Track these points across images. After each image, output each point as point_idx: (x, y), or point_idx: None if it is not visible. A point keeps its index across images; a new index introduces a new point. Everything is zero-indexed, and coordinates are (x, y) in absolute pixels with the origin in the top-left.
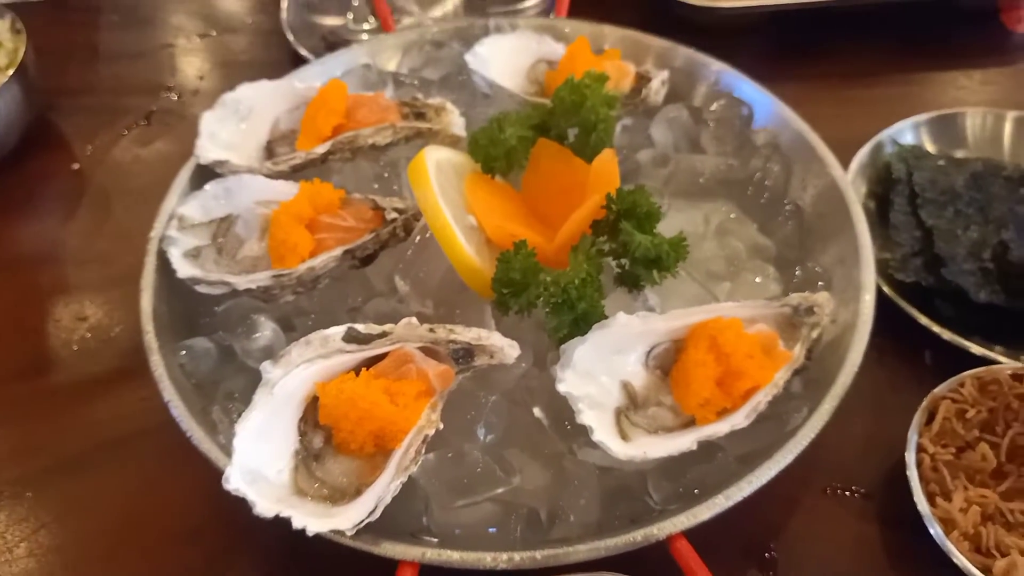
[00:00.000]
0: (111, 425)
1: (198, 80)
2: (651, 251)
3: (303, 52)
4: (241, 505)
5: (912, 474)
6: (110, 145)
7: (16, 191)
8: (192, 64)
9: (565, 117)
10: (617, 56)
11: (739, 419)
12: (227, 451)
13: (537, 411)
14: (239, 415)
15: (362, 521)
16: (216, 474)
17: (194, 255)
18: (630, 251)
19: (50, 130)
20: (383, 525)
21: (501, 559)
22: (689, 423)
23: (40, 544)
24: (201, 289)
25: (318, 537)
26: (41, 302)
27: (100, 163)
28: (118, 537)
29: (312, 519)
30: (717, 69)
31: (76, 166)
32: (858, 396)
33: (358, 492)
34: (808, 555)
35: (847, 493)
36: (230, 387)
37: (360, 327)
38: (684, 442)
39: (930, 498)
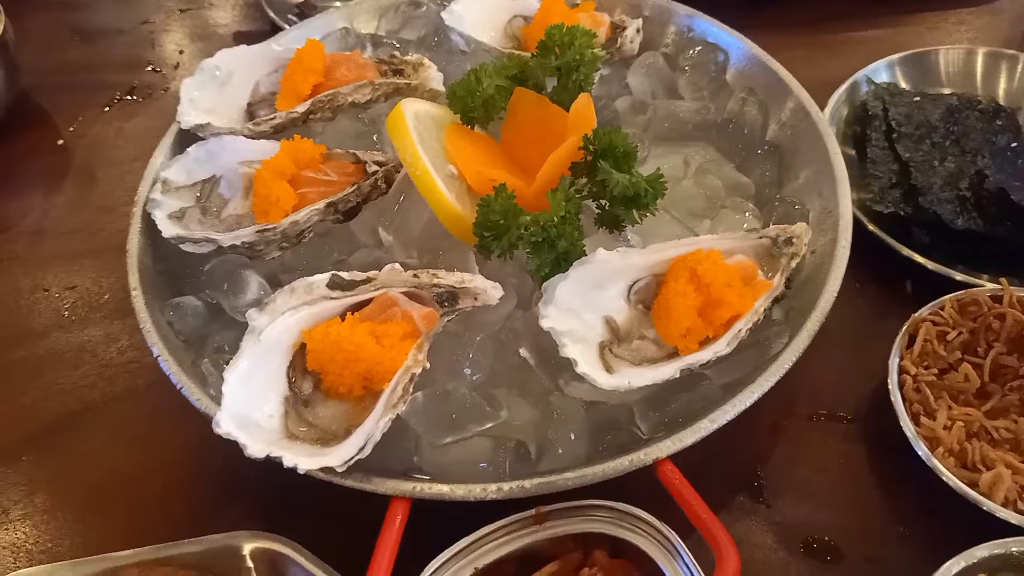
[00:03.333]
0: (101, 388)
1: (178, 54)
2: (629, 189)
3: (281, 23)
4: (230, 457)
5: (895, 395)
6: (93, 120)
7: (1, 167)
8: (172, 39)
9: (549, 56)
10: (591, 8)
11: (721, 347)
12: (217, 401)
13: (523, 351)
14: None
15: (352, 458)
16: (206, 428)
17: (179, 216)
18: (609, 190)
19: (33, 107)
20: (375, 464)
21: (491, 490)
22: (672, 354)
23: (35, 506)
24: (186, 248)
25: (309, 483)
26: (29, 272)
27: (83, 137)
28: (111, 495)
29: (303, 458)
30: (688, 15)
31: (60, 142)
32: (840, 325)
33: (348, 433)
34: (795, 480)
35: (832, 420)
36: (219, 341)
37: (344, 274)
38: (668, 371)
39: (914, 418)
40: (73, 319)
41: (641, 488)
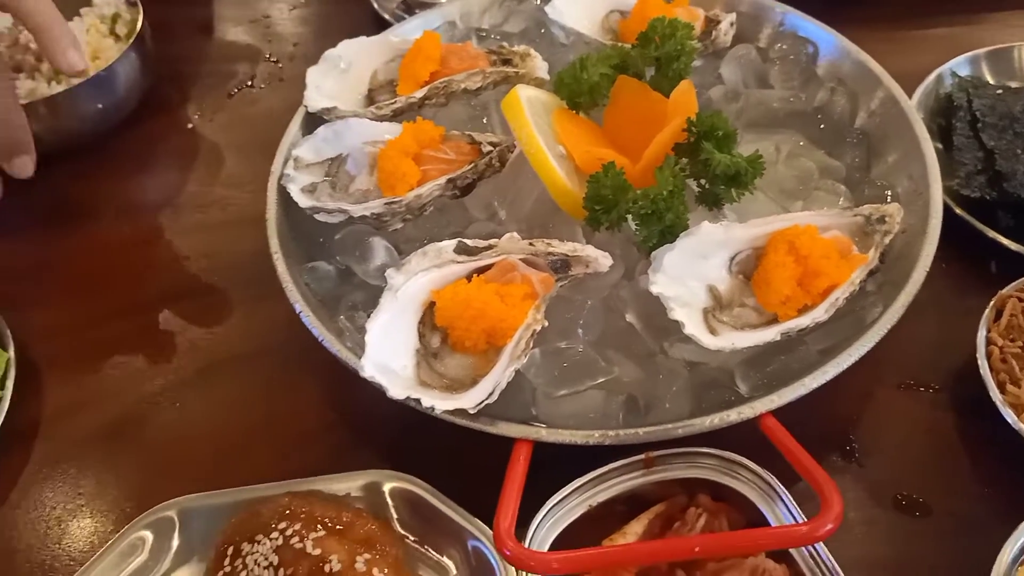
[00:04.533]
0: (240, 343)
1: (292, 46)
2: (731, 168)
3: (386, 16)
4: (362, 405)
5: (983, 363)
6: (219, 106)
7: (137, 149)
8: (287, 31)
9: (650, 47)
10: (687, 2)
11: (819, 313)
12: (356, 352)
13: (629, 316)
14: (363, 322)
15: (482, 402)
16: (340, 378)
17: (310, 190)
18: (711, 169)
19: (165, 95)
20: (498, 412)
21: (609, 435)
22: (771, 321)
23: (185, 447)
24: (320, 217)
25: (435, 429)
26: (169, 243)
27: (211, 122)
28: (252, 436)
29: (438, 401)
30: (781, 11)
31: (190, 125)
32: (928, 301)
33: (474, 382)
34: (885, 443)
35: (920, 388)
36: (352, 300)
37: (468, 241)
38: (769, 334)
39: (1000, 386)
40: (213, 282)
41: (742, 441)
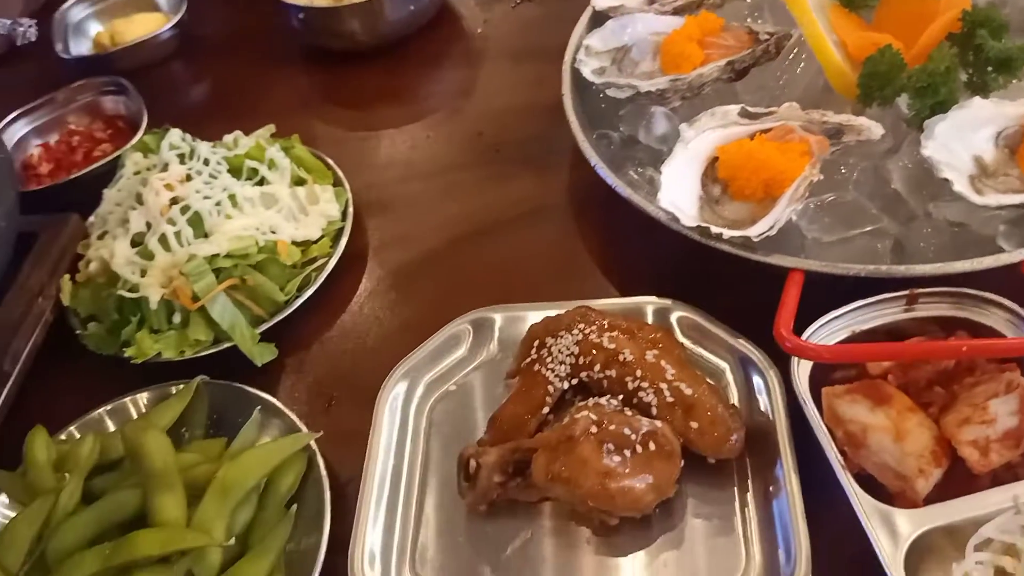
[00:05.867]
0: (531, 201)
1: None
2: (1003, 53)
3: None
4: (646, 243)
5: None
6: (504, 16)
7: (435, 49)
8: None
9: None
10: None
11: None
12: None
13: (895, 184)
14: (648, 177)
15: (763, 233)
16: (625, 220)
17: (599, 72)
18: (983, 54)
19: (457, 4)
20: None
21: (874, 269)
22: None
23: (488, 277)
24: (610, 92)
25: (713, 261)
26: (469, 121)
27: (497, 28)
28: (548, 272)
29: (723, 228)
30: None
31: (479, 31)
32: None
33: (753, 223)
34: None
35: None
36: (639, 158)
37: (750, 107)
38: None
39: None
40: (505, 154)
41: (1000, 290)
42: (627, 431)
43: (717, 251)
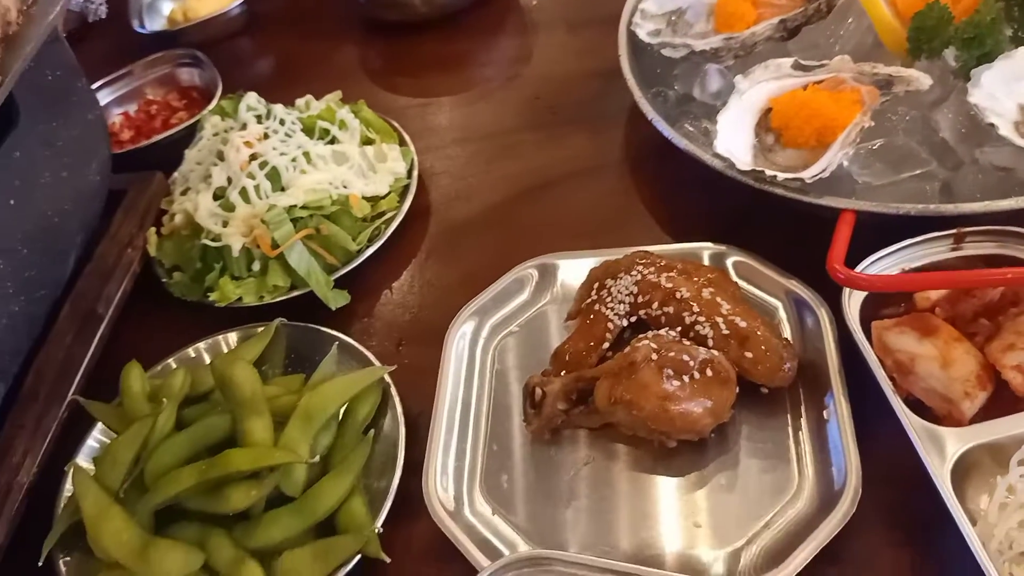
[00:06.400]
0: (587, 159)
1: None
2: None
3: None
4: (702, 192)
5: None
6: None
7: (492, 19)
8: None
9: None
10: None
11: None
12: (702, 148)
13: (943, 132)
14: (704, 129)
15: (817, 175)
16: (681, 169)
17: (655, 34)
18: None
19: None
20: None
21: (923, 208)
22: None
23: (550, 230)
24: (666, 52)
25: (765, 207)
26: (523, 87)
27: (551, 1)
28: (606, 222)
29: (777, 172)
30: None
31: (535, 2)
32: None
33: (806, 167)
34: None
35: None
36: (694, 112)
37: (803, 60)
38: None
39: None
40: (563, 116)
41: None
42: (685, 358)
43: (770, 199)
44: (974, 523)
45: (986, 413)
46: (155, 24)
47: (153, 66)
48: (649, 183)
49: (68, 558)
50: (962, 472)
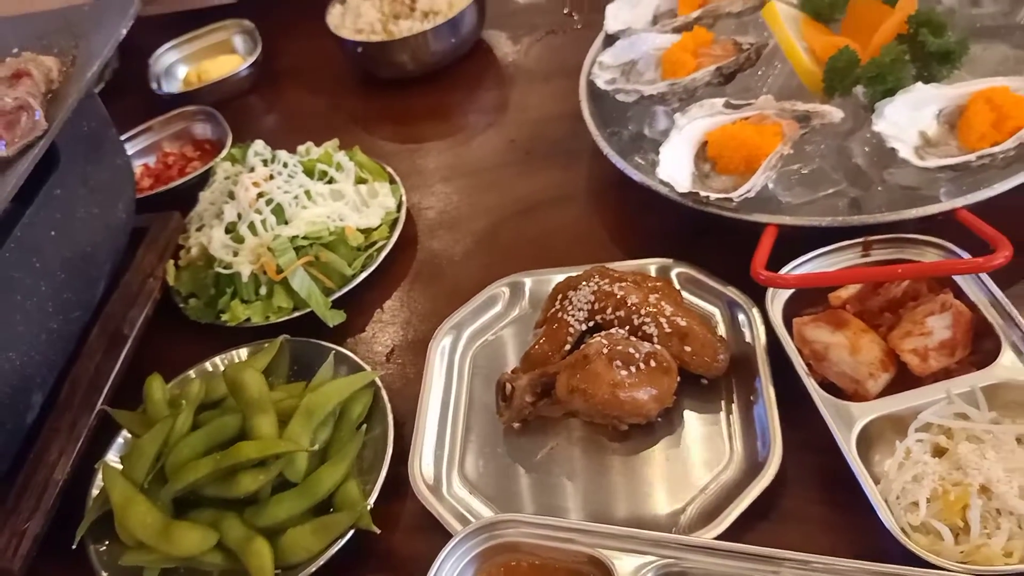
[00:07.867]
0: (554, 190)
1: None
2: (943, 47)
3: None
4: (647, 216)
5: None
6: (532, 46)
7: (473, 73)
8: None
9: None
10: None
11: (1008, 145)
12: (650, 177)
13: (855, 158)
14: (652, 161)
15: (743, 195)
16: (633, 196)
17: (611, 82)
18: (927, 49)
19: (492, 36)
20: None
21: (836, 220)
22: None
23: (521, 251)
24: (620, 97)
25: (702, 225)
26: (501, 131)
27: (526, 57)
28: (570, 244)
29: (710, 193)
30: None
31: (511, 59)
32: None
33: (735, 190)
34: None
35: None
36: (644, 148)
37: (733, 100)
38: (968, 157)
39: None
40: (533, 153)
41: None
42: (632, 351)
43: (710, 219)
44: (878, 481)
45: (890, 392)
46: (172, 87)
47: (170, 123)
48: (609, 209)
49: (99, 546)
50: (869, 440)
